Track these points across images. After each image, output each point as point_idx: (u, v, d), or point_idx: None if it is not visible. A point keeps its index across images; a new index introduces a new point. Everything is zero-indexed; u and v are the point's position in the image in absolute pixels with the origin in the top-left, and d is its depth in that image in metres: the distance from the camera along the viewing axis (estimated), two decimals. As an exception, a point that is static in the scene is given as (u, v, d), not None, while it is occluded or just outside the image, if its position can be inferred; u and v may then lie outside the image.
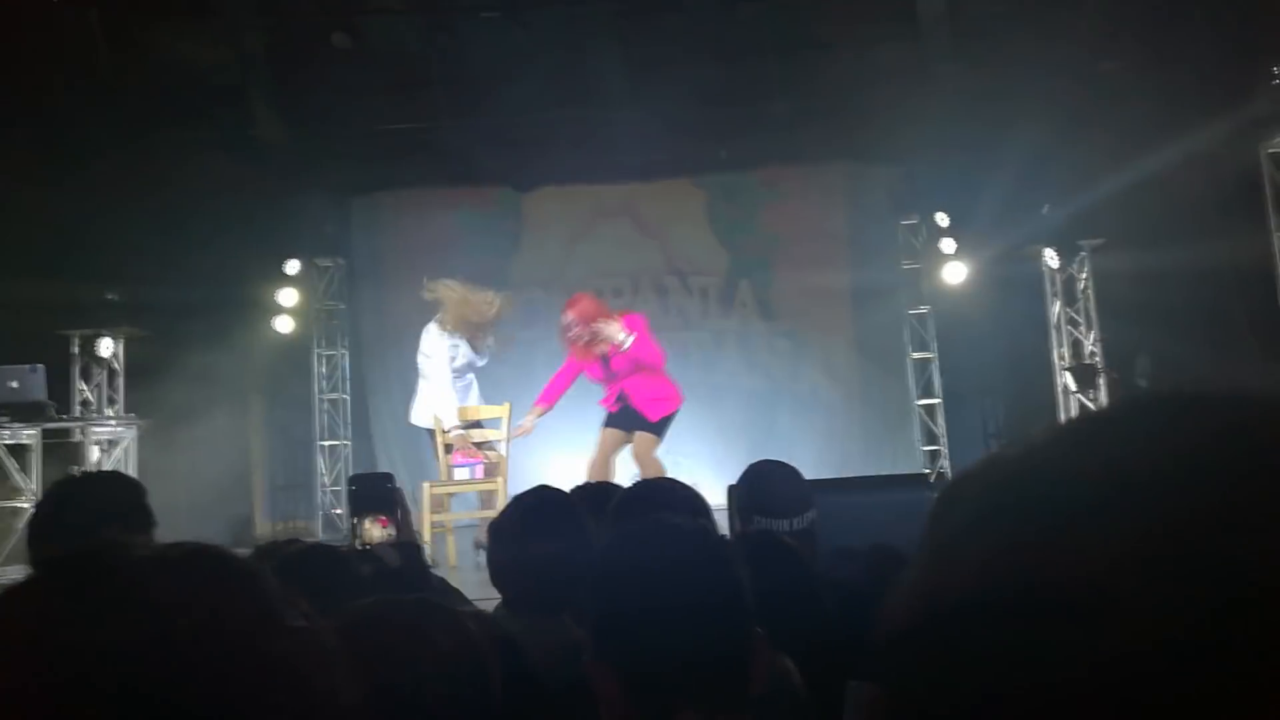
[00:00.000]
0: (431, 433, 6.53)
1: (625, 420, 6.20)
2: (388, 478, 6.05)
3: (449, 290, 6.58)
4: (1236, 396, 0.36)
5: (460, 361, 6.59)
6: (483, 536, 6.41)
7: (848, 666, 2.17)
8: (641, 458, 6.12)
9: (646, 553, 1.39)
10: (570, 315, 6.09)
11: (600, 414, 6.45)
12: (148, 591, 0.57)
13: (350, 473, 8.90)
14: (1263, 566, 0.30)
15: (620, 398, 6.19)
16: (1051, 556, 0.33)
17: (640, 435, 6.16)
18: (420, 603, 1.32)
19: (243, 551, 0.77)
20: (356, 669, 0.65)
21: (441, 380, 6.50)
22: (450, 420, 6.37)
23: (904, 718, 0.36)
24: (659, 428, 6.21)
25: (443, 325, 6.57)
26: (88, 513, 2.12)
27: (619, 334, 5.96)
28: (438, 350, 6.53)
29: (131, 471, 6.75)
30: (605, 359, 6.13)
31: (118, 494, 2.24)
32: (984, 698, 0.32)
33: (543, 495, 2.41)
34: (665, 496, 2.52)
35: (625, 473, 6.08)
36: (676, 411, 6.30)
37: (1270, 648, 0.29)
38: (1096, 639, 0.31)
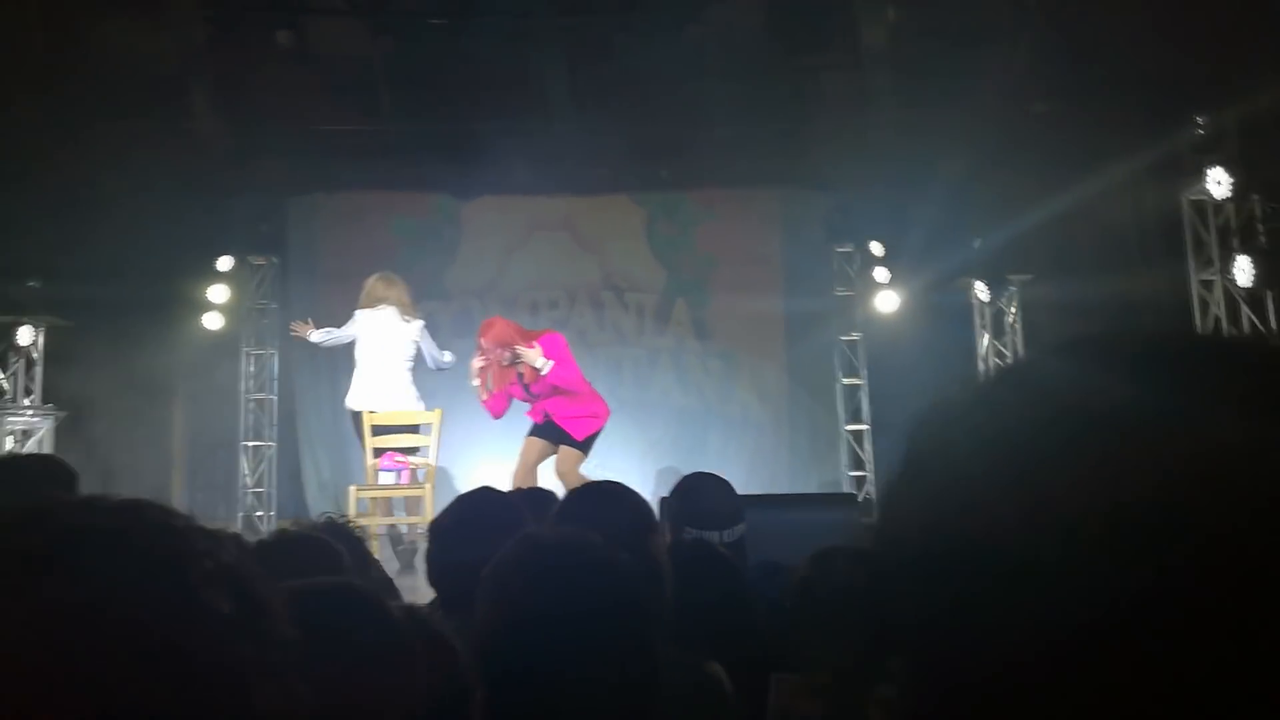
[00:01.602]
0: (359, 424, 6.53)
1: (550, 432, 6.14)
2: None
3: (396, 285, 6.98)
4: (1149, 332, 0.39)
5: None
6: (413, 542, 6.36)
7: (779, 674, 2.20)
8: (566, 475, 6.03)
9: (524, 580, 1.26)
10: (486, 341, 5.98)
11: (528, 422, 6.39)
12: (51, 575, 0.50)
13: (274, 475, 8.74)
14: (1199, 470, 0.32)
15: (545, 415, 6.13)
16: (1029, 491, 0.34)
17: (565, 450, 6.08)
18: (345, 587, 1.28)
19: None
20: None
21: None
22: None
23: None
24: (585, 445, 6.14)
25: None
26: (21, 494, 2.06)
27: (537, 360, 5.84)
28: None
29: (45, 465, 6.54)
30: (524, 381, 6.04)
31: (53, 475, 2.18)
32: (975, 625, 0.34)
33: (486, 496, 2.39)
34: (610, 502, 2.48)
35: (549, 484, 6.03)
36: (602, 428, 6.24)
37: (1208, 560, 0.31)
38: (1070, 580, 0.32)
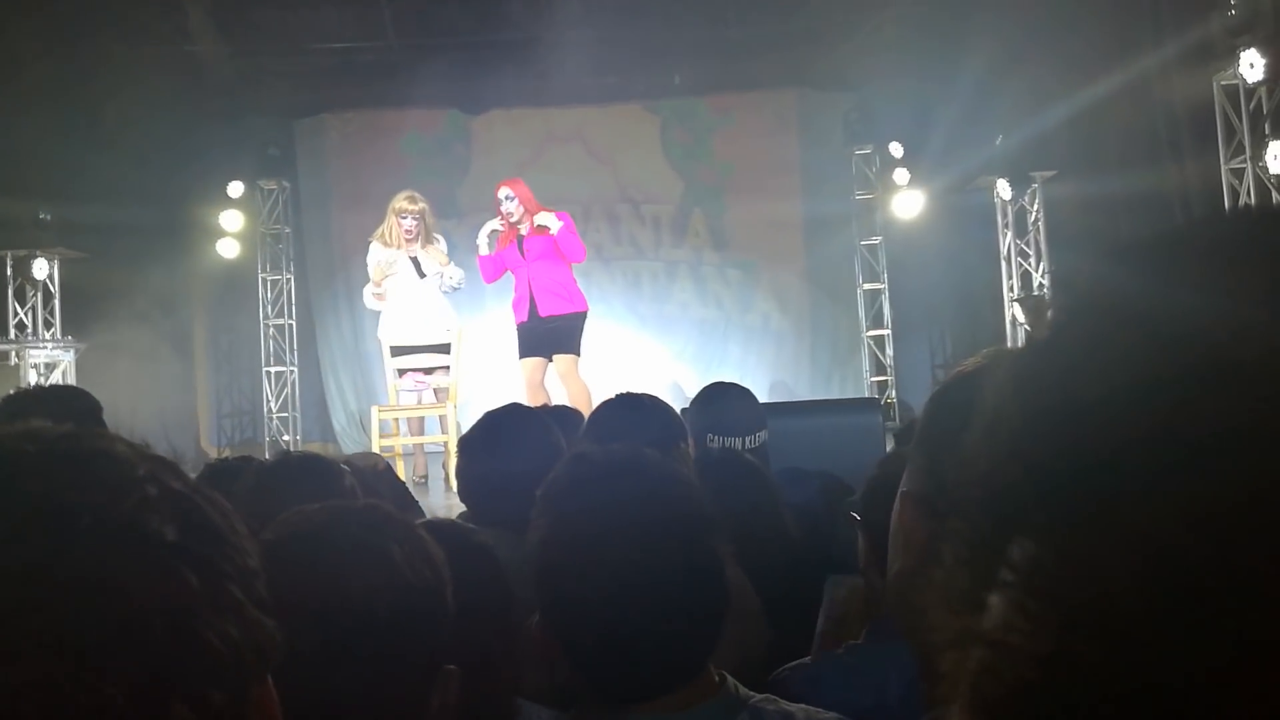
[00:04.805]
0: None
1: (534, 344, 6.14)
2: None
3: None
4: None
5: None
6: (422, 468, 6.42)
7: (807, 581, 2.18)
8: (565, 376, 6.07)
9: (596, 498, 1.18)
10: (513, 190, 6.13)
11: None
12: None
13: (298, 399, 8.79)
14: None
15: (530, 297, 6.11)
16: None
17: (558, 358, 6.12)
18: (371, 509, 1.25)
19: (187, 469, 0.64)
20: (299, 579, 0.56)
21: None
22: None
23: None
24: (563, 339, 6.05)
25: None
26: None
27: (552, 220, 6.01)
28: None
29: (71, 397, 6.57)
30: (521, 241, 6.11)
31: (75, 406, 2.15)
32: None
33: (513, 411, 2.36)
34: (639, 413, 2.44)
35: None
36: (575, 317, 6.13)
37: None
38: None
